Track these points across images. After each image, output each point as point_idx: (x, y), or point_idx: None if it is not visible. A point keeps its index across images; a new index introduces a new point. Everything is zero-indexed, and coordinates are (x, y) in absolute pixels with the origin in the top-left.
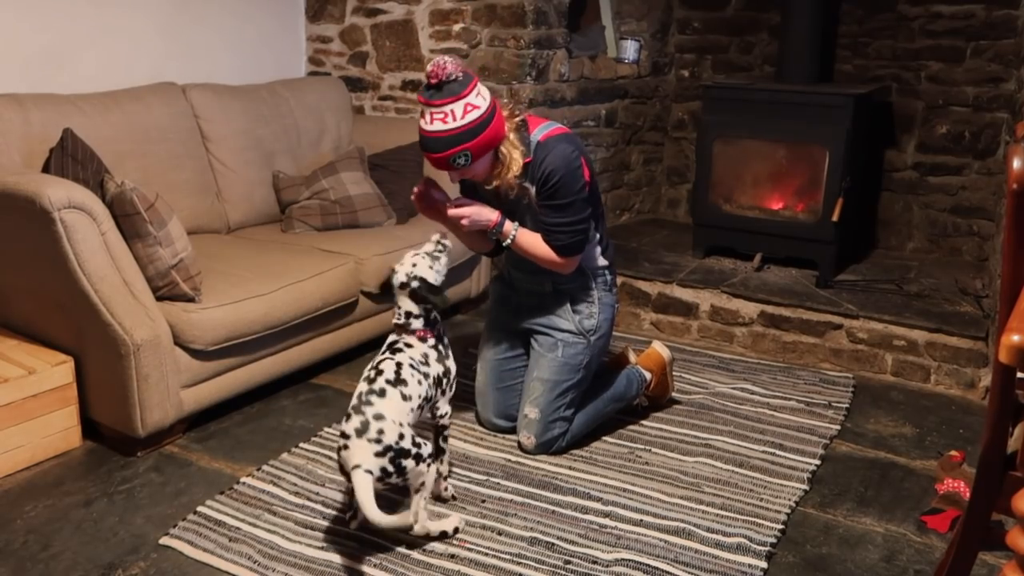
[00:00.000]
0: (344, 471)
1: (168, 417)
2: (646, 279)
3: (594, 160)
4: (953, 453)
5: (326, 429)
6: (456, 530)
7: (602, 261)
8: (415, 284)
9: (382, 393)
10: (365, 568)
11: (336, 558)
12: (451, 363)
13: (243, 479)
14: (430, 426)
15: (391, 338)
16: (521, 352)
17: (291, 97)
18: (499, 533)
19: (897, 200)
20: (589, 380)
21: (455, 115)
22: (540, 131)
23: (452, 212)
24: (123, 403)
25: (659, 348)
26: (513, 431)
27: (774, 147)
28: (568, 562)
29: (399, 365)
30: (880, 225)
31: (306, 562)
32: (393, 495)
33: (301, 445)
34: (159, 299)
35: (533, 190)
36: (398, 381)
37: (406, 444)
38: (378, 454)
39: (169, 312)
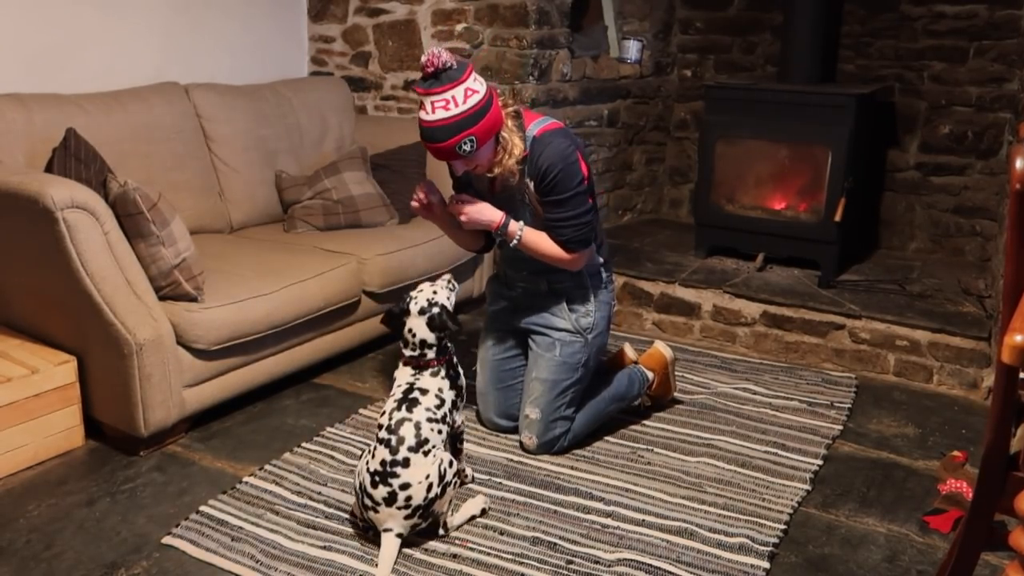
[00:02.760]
0: (369, 523)
1: (170, 417)
2: (648, 279)
3: (596, 160)
4: (955, 453)
5: (328, 429)
6: (484, 512)
7: (597, 259)
8: (436, 311)
9: (406, 463)
10: (367, 568)
11: (338, 558)
12: (461, 380)
13: (245, 479)
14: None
15: (405, 380)
16: (520, 352)
17: (293, 97)
18: (501, 533)
19: (900, 200)
20: (588, 378)
21: (456, 101)
22: (536, 126)
23: (454, 207)
24: (126, 402)
25: (661, 348)
26: (515, 430)
27: (776, 147)
28: (570, 562)
29: (418, 427)
30: (883, 225)
31: (308, 561)
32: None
33: (303, 445)
34: (162, 299)
35: (532, 185)
36: (419, 445)
37: (433, 493)
38: (408, 517)
39: (172, 312)
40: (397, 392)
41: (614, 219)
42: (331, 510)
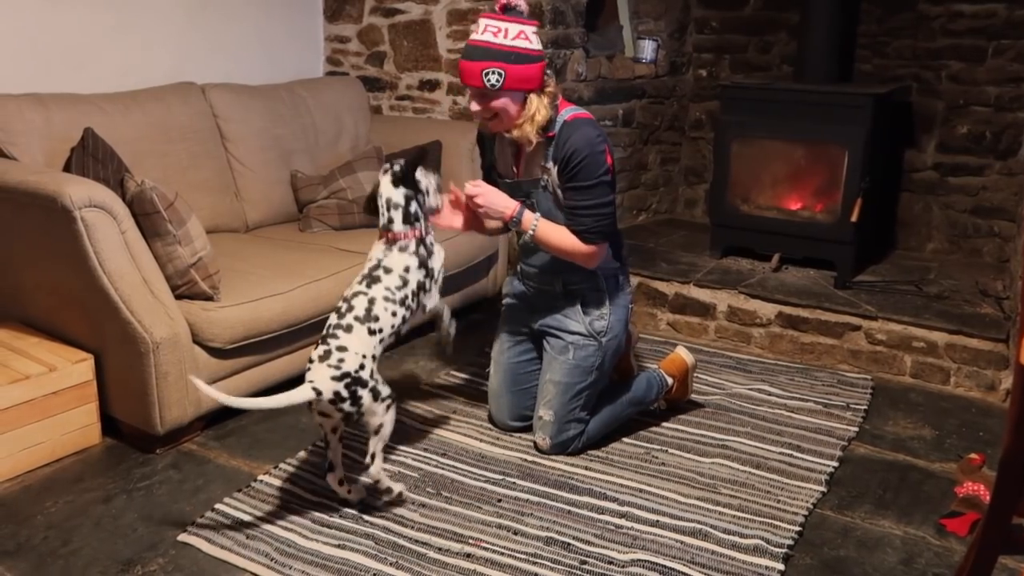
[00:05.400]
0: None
1: (186, 415)
2: (663, 279)
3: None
4: (973, 456)
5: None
6: (400, 495)
7: (614, 262)
8: (396, 167)
9: (348, 328)
10: (381, 566)
11: (352, 556)
12: (434, 261)
13: (260, 477)
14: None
15: (375, 256)
16: (535, 355)
17: (309, 97)
18: (515, 533)
19: (917, 200)
20: (604, 381)
21: (507, 33)
22: (567, 112)
23: (470, 190)
24: (142, 400)
25: (683, 354)
26: (527, 429)
27: (792, 147)
28: (584, 562)
29: (371, 302)
30: (899, 226)
31: (323, 560)
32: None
33: (318, 443)
34: (178, 297)
35: (555, 171)
36: (368, 318)
37: (364, 375)
38: (334, 378)
39: (188, 310)
40: (364, 268)
41: (629, 219)
42: (345, 508)
